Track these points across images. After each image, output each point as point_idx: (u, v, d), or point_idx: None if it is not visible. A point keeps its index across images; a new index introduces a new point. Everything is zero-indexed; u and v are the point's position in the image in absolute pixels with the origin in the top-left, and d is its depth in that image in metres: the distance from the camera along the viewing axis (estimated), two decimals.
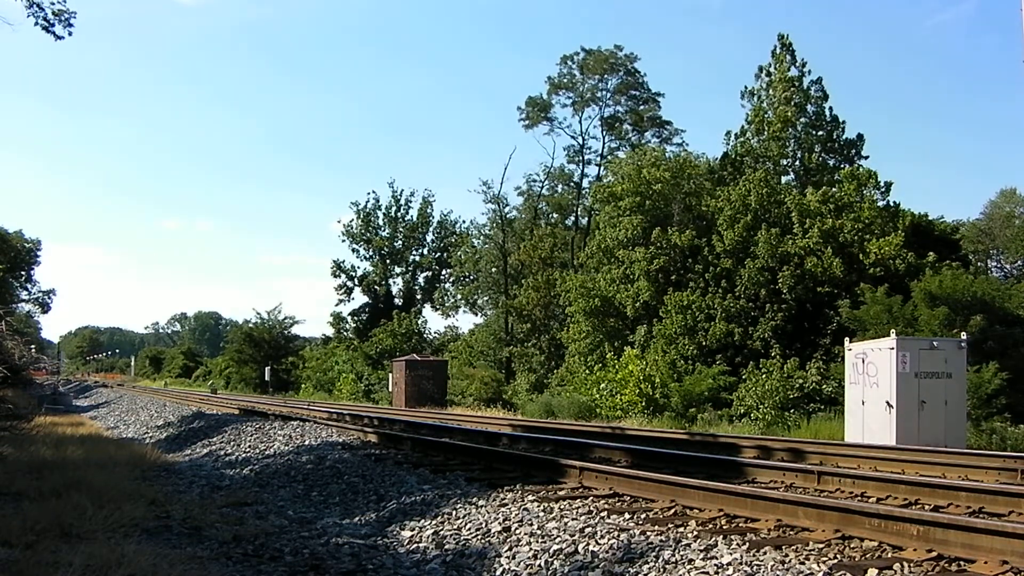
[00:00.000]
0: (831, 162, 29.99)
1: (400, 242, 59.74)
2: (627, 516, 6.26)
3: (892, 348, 13.85)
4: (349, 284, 59.00)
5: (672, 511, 6.58)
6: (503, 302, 43.80)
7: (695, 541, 5.26)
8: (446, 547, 6.01)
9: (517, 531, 6.05)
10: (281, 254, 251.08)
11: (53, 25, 12.66)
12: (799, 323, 24.69)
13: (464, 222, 60.19)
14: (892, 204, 27.26)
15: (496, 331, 44.90)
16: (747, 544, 5.14)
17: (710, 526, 5.94)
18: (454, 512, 6.91)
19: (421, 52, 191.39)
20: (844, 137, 29.87)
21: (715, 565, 4.78)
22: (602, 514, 6.33)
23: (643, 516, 6.29)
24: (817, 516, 5.73)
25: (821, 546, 5.23)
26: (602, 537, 5.56)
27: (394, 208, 59.51)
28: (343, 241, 59.31)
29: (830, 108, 29.65)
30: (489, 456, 9.92)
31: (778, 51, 29.68)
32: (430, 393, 33.82)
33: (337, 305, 61.11)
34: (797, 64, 29.41)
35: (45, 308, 76.92)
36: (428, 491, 7.83)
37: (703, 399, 23.01)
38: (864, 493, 7.58)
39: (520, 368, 39.94)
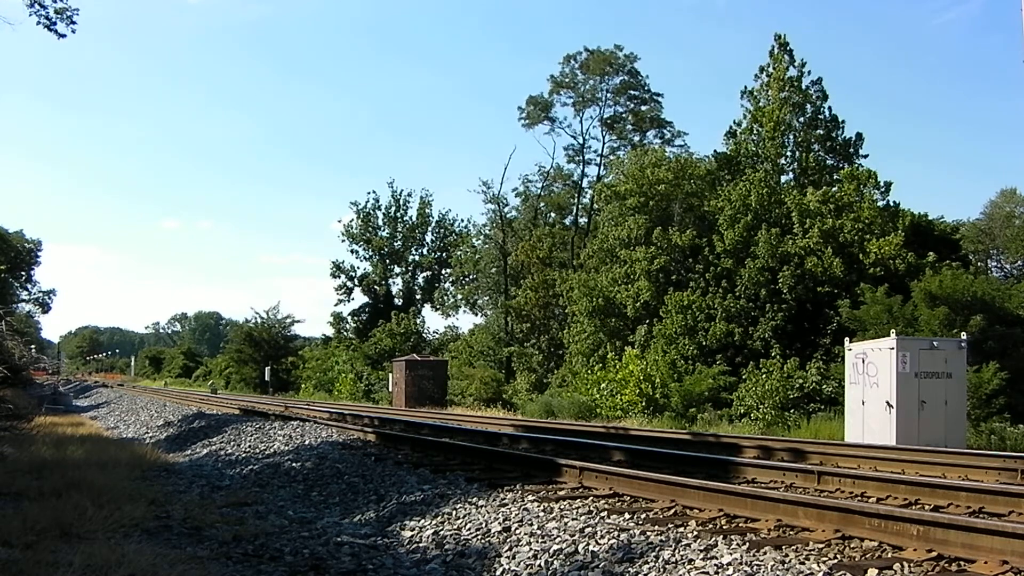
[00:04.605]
0: (830, 161, 29.96)
1: (400, 242, 59.79)
2: (627, 516, 6.26)
3: (892, 348, 13.85)
4: (349, 284, 59.13)
5: (672, 511, 6.57)
6: (503, 302, 43.81)
7: (695, 541, 5.25)
8: (446, 547, 6.00)
9: (517, 531, 6.04)
10: (281, 254, 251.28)
11: (55, 23, 12.66)
12: (799, 323, 24.69)
13: (463, 222, 60.30)
14: (892, 204, 27.30)
15: (496, 331, 44.91)
16: (747, 544, 5.13)
17: (710, 526, 5.94)
18: (454, 512, 6.91)
19: (421, 52, 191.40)
20: (843, 136, 29.86)
21: (715, 565, 4.78)
22: (602, 514, 6.32)
23: (643, 516, 6.29)
24: (817, 516, 5.72)
25: (821, 546, 5.23)
26: (602, 537, 5.56)
27: (394, 208, 59.61)
28: (343, 241, 59.51)
29: (829, 108, 29.64)
30: (489, 456, 9.91)
31: (776, 51, 29.64)
32: (430, 393, 33.82)
33: (337, 305, 61.22)
34: (796, 64, 29.34)
35: (45, 308, 77.32)
36: (428, 491, 7.82)
37: (703, 399, 23.01)
38: (864, 493, 7.57)
39: (520, 368, 39.95)
